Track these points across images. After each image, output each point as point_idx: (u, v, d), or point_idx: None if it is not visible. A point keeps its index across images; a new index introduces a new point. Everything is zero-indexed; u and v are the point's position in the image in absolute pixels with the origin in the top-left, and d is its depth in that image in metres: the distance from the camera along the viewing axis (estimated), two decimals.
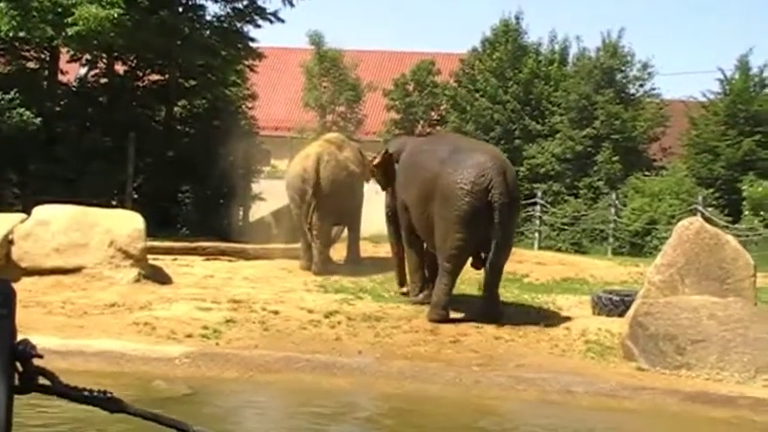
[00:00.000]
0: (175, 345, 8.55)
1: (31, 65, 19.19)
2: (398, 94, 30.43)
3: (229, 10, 19.63)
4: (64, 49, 18.44)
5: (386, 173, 11.10)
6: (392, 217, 11.15)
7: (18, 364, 2.00)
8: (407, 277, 11.07)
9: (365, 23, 68.55)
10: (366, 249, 13.73)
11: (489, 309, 9.87)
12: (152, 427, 2.19)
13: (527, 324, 9.69)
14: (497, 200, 9.57)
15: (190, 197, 19.13)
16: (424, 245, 10.62)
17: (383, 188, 11.36)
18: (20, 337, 2.08)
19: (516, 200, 10.41)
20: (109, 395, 2.05)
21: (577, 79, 27.03)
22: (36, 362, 2.05)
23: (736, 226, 19.98)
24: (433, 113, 30.60)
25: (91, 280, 10.78)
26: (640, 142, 26.92)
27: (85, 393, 2.04)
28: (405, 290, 11.09)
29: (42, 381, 2.08)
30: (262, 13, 19.50)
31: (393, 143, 11.84)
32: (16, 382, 2.02)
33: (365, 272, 12.36)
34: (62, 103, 18.76)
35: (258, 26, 19.82)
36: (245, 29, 19.84)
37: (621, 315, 9.60)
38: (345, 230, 13.38)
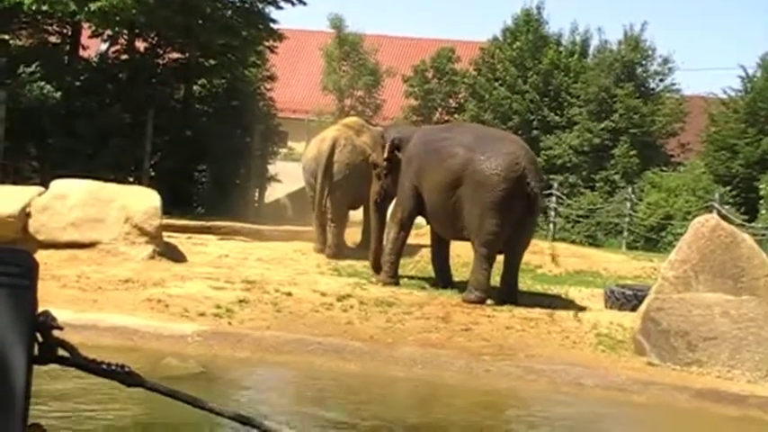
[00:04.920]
0: (188, 323, 8.60)
1: (52, 39, 19.27)
2: (417, 81, 30.34)
3: None
4: (86, 25, 18.51)
5: (392, 162, 11.15)
6: (381, 204, 11.47)
7: (38, 335, 2.01)
8: (383, 258, 11.12)
9: (386, 8, 68.41)
10: None
11: (508, 293, 10.25)
12: (168, 403, 2.21)
13: (539, 315, 9.71)
14: (530, 188, 10.01)
15: (206, 176, 19.20)
16: (410, 231, 11.12)
17: (384, 175, 11.31)
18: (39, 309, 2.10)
19: (543, 189, 10.64)
20: (127, 369, 2.07)
21: (597, 72, 26.90)
22: (55, 333, 2.06)
23: (753, 224, 19.89)
24: (451, 101, 30.50)
25: (106, 255, 10.84)
26: (658, 137, 26.80)
27: (104, 367, 2.06)
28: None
29: (61, 352, 2.10)
30: None
31: (392, 131, 11.81)
32: (36, 352, 2.03)
33: None
34: (82, 78, 18.82)
35: (280, 8, 19.85)
36: (267, 10, 19.85)
37: (634, 309, 9.60)
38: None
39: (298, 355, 8.03)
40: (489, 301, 10.10)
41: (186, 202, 17.57)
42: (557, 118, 27.02)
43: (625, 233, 22.08)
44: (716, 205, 19.70)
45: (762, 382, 8.03)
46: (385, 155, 11.20)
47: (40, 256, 9.95)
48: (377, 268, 11.29)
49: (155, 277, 10.12)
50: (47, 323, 1.98)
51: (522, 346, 8.71)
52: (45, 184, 11.74)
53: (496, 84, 27.92)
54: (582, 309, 10.31)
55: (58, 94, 16.72)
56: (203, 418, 3.88)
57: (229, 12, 19.32)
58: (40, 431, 2.36)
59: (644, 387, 7.75)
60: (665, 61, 27.25)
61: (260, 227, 13.99)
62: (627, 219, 22.21)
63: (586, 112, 26.56)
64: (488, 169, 9.99)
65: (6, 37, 18.53)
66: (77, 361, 2.03)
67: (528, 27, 28.22)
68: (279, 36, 20.27)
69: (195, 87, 20.22)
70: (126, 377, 2.07)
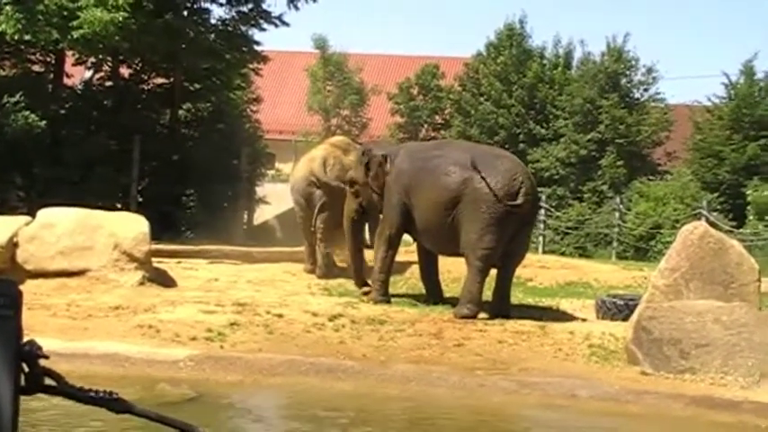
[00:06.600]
0: (180, 347, 8.56)
1: (36, 68, 19.23)
2: (403, 98, 30.45)
3: (234, 13, 19.63)
4: (69, 53, 18.48)
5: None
6: (358, 221, 11.57)
7: (24, 365, 2.00)
8: (373, 276, 11.15)
9: (369, 27, 68.65)
10: (370, 253, 13.72)
11: (501, 306, 10.27)
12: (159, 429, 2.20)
13: (531, 328, 9.70)
14: (527, 203, 10.18)
15: (194, 200, 19.14)
16: (398, 249, 11.18)
17: (371, 194, 11.27)
18: (25, 338, 2.08)
19: (538, 203, 11.18)
20: (115, 396, 2.05)
21: (582, 83, 27.01)
22: (42, 363, 2.05)
23: (741, 230, 19.96)
24: (437, 117, 30.61)
25: (95, 283, 10.80)
26: (645, 147, 26.90)
27: (91, 394, 2.04)
28: (367, 289, 11.21)
29: (48, 381, 2.08)
30: (267, 16, 19.51)
31: (374, 149, 11.79)
32: (22, 382, 2.02)
33: (369, 275, 12.36)
34: (67, 106, 18.78)
35: (263, 30, 19.82)
36: (250, 32, 19.84)
37: (626, 319, 9.61)
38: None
39: (290, 377, 8.01)
40: (482, 315, 10.11)
41: (175, 226, 17.51)
42: (543, 131, 27.11)
43: (614, 243, 22.13)
44: (704, 212, 19.78)
45: (755, 387, 8.03)
46: (374, 174, 11.11)
47: (29, 285, 9.95)
48: (361, 285, 11.33)
49: (145, 303, 10.07)
50: (32, 352, 1.95)
51: (515, 360, 8.70)
52: (32, 214, 11.69)
53: (482, 99, 28.01)
54: (574, 320, 10.31)
55: (43, 123, 16.68)
56: None
57: (213, 35, 19.31)
58: None
59: (638, 396, 7.75)
60: (649, 71, 27.39)
61: (249, 249, 13.96)
62: (616, 229, 22.26)
63: (572, 124, 26.66)
64: (487, 187, 10.06)
65: None
66: (65, 389, 2.00)
67: (511, 41, 28.35)
68: (263, 58, 20.28)
69: (181, 112, 20.19)
70: (114, 404, 2.04)
